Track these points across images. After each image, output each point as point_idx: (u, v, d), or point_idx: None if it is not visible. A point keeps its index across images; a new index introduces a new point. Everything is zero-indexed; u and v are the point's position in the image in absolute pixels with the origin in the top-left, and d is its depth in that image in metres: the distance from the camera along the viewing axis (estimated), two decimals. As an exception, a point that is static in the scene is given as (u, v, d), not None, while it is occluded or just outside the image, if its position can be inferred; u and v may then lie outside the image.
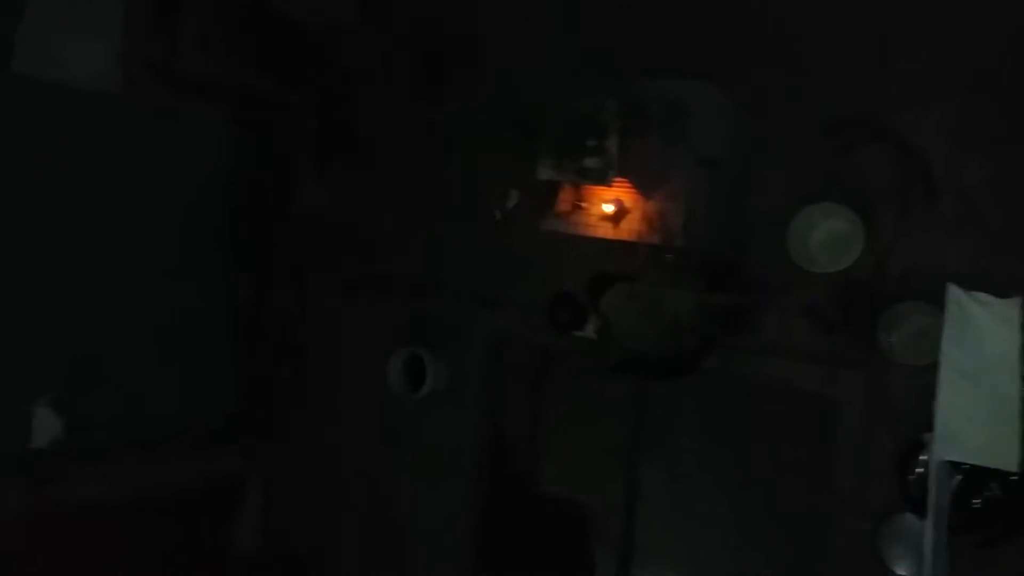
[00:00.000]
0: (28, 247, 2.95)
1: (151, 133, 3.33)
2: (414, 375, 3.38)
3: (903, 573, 2.66)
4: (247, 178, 3.69)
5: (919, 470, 2.54)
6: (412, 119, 3.60)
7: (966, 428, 2.08)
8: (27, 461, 2.92)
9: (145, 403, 3.31)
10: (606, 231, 3.06)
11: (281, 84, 3.65)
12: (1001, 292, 2.25)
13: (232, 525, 3.68)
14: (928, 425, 2.24)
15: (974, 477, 2.30)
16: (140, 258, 3.30)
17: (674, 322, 2.46)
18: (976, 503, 2.37)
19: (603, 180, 3.01)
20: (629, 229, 3.02)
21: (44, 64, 2.94)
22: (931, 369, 2.25)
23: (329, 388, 3.72)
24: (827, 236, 2.76)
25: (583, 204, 3.10)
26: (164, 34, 3.30)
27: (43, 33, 2.94)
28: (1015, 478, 2.22)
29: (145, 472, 3.26)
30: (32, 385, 2.95)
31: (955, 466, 2.21)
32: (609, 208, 3.04)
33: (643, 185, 2.99)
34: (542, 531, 3.44)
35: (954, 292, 2.15)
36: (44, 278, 2.99)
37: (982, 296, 2.13)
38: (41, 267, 2.99)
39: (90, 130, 3.12)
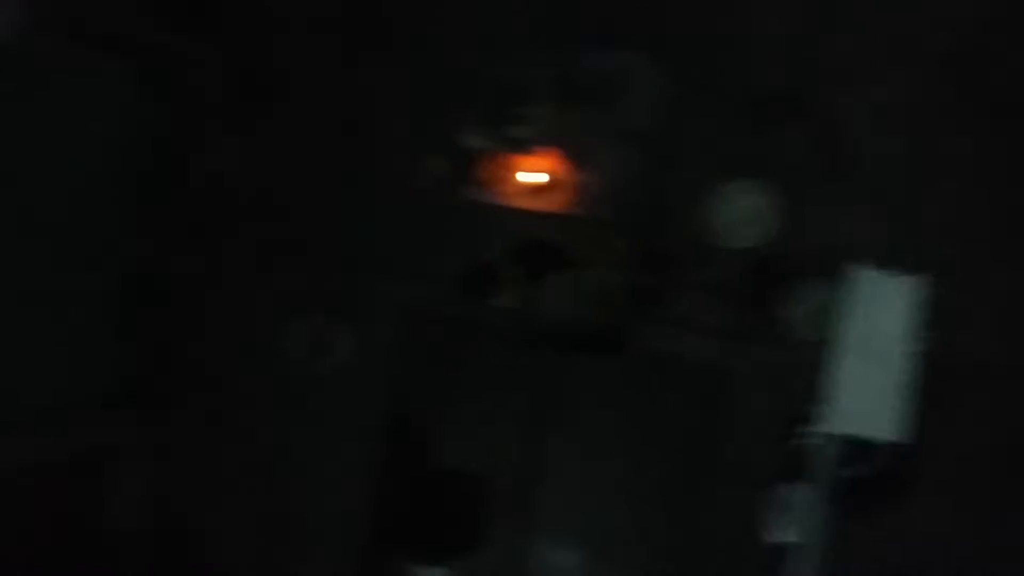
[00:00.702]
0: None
1: (50, 86, 3.07)
2: (318, 344, 3.28)
3: (783, 540, 2.79)
4: (153, 137, 3.46)
5: (805, 440, 2.67)
6: (334, 82, 3.47)
7: (854, 401, 2.20)
8: None
9: (32, 370, 3.07)
10: (530, 202, 3.08)
11: (194, 40, 3.45)
12: (904, 266, 2.38)
13: (117, 496, 3.46)
14: (817, 398, 2.36)
15: (856, 447, 2.44)
16: (30, 218, 3.04)
17: (601, 296, 2.50)
18: (860, 472, 2.52)
19: (531, 150, 3.03)
20: (553, 200, 3.06)
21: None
22: (829, 343, 2.37)
23: (230, 357, 3.52)
24: (744, 212, 2.86)
25: (509, 174, 3.11)
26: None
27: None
28: (894, 448, 2.37)
29: (25, 444, 3.03)
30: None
31: (839, 438, 2.33)
32: (534, 178, 3.06)
33: (571, 156, 3.03)
34: (442, 506, 3.41)
35: (856, 268, 2.28)
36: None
37: (879, 273, 2.27)
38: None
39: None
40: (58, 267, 3.17)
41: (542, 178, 3.04)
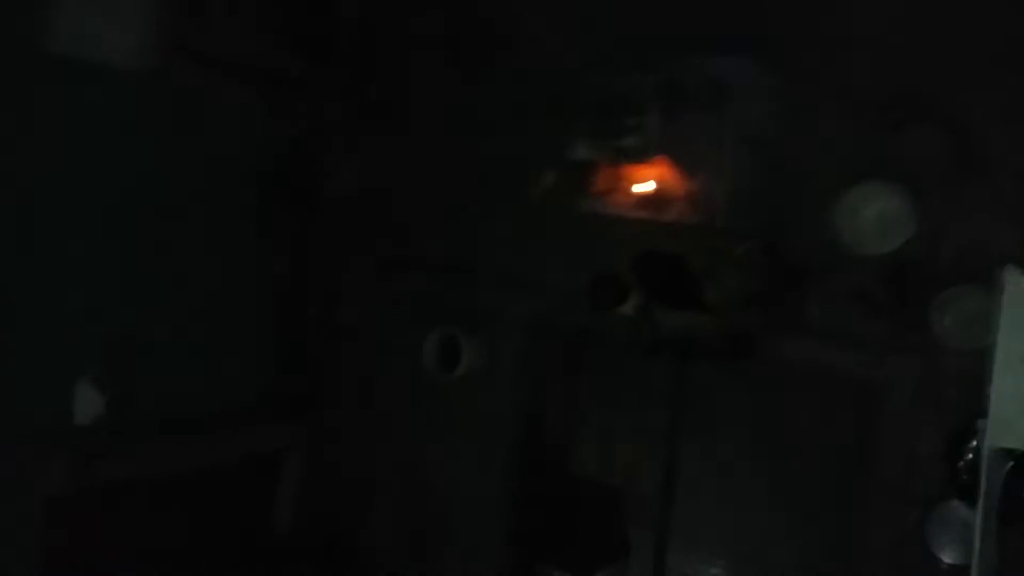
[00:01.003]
0: (65, 228, 2.97)
1: (183, 114, 3.31)
2: (449, 356, 3.37)
3: (950, 561, 2.61)
4: (279, 159, 3.67)
5: (969, 456, 2.48)
6: (446, 99, 3.54)
7: (1021, 413, 2.02)
8: (70, 439, 2.95)
9: (183, 380, 3.34)
10: (645, 212, 3.01)
11: (313, 63, 3.61)
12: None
13: (270, 503, 3.71)
14: (980, 411, 2.18)
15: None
16: (174, 240, 3.30)
17: (724, 304, 2.43)
18: (1027, 490, 2.31)
19: (642, 160, 2.96)
20: (668, 209, 2.98)
21: (78, 45, 2.93)
22: (984, 353, 2.19)
23: (365, 368, 3.72)
24: (877, 216, 2.68)
25: (622, 184, 3.05)
26: (197, 14, 3.28)
27: (77, 14, 2.92)
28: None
29: (185, 449, 3.29)
30: (73, 364, 2.98)
31: (1007, 453, 2.14)
32: (648, 188, 2.99)
33: (683, 165, 2.94)
34: (578, 515, 3.42)
35: (1012, 273, 2.07)
36: (81, 258, 3.01)
37: (1037, 278, 2.05)
38: (79, 247, 3.01)
39: (123, 111, 3.12)
40: (208, 283, 3.44)
41: (651, 187, 2.96)
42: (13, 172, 2.79)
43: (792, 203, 2.89)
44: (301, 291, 3.76)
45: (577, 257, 3.21)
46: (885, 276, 2.70)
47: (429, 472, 3.57)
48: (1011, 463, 2.24)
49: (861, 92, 2.82)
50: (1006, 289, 2.05)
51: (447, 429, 3.53)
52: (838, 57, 2.86)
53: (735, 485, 3.15)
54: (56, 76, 2.88)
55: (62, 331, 2.93)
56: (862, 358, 2.73)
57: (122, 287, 3.11)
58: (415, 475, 3.60)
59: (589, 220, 3.11)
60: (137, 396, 3.08)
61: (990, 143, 2.66)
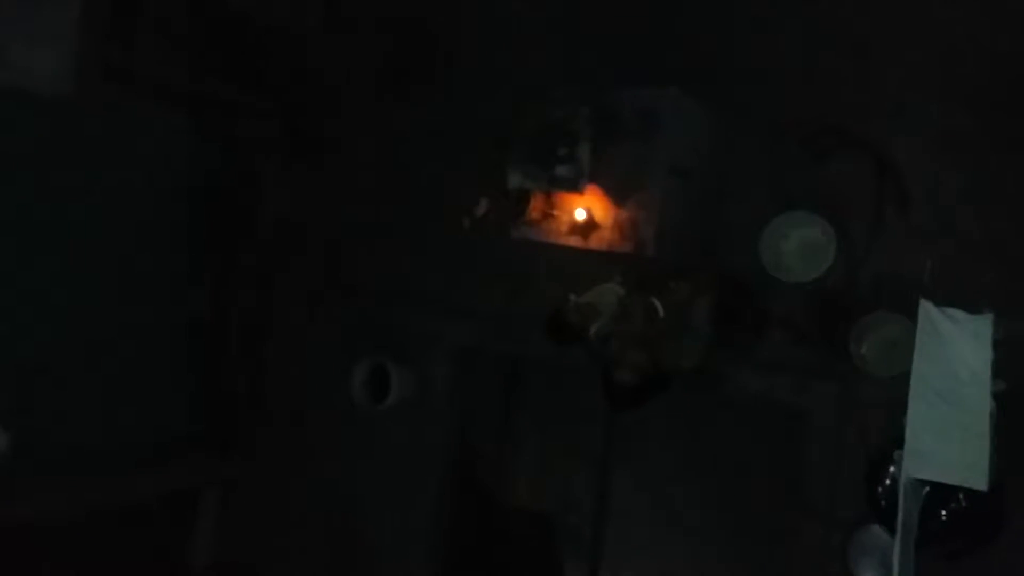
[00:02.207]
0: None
1: (106, 138, 3.21)
2: (379, 386, 3.31)
3: (869, 584, 2.66)
4: (208, 184, 3.58)
5: (888, 482, 2.54)
6: (380, 125, 3.52)
7: (936, 445, 2.07)
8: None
9: (98, 417, 3.21)
10: (577, 240, 3.02)
11: (245, 88, 3.54)
12: (974, 304, 2.26)
13: (188, 541, 3.58)
14: (899, 437, 2.23)
15: (942, 489, 2.29)
16: (93, 267, 3.18)
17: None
18: (944, 515, 2.38)
19: (574, 188, 2.97)
20: (601, 238, 2.99)
21: (-2, 71, 2.82)
22: (902, 379, 2.25)
23: (291, 399, 3.63)
24: (799, 245, 2.75)
25: (554, 212, 3.05)
26: (122, 36, 3.18)
27: (-4, 40, 2.82)
28: (977, 493, 2.22)
29: (98, 487, 3.16)
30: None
31: (923, 483, 2.20)
32: (580, 217, 3.00)
33: (615, 193, 2.96)
34: (511, 544, 3.39)
35: (926, 307, 2.14)
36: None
37: (954, 312, 2.12)
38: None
39: (43, 135, 3.01)
40: (124, 314, 3.31)
41: (583, 215, 2.98)
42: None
43: (720, 232, 2.94)
44: (225, 321, 3.65)
45: (512, 283, 3.21)
46: (808, 304, 2.76)
47: (356, 506, 3.49)
48: (927, 489, 2.31)
49: (787, 124, 2.89)
50: (920, 324, 2.12)
51: (376, 461, 3.46)
52: (765, 89, 2.94)
53: (667, 511, 3.17)
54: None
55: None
56: (787, 384, 2.78)
57: (32, 318, 2.97)
58: (342, 511, 3.52)
59: (522, 248, 3.11)
60: (45, 433, 2.94)
61: (911, 175, 2.74)
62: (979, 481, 2.06)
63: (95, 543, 3.14)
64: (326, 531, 3.57)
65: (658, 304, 2.56)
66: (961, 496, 2.35)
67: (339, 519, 3.55)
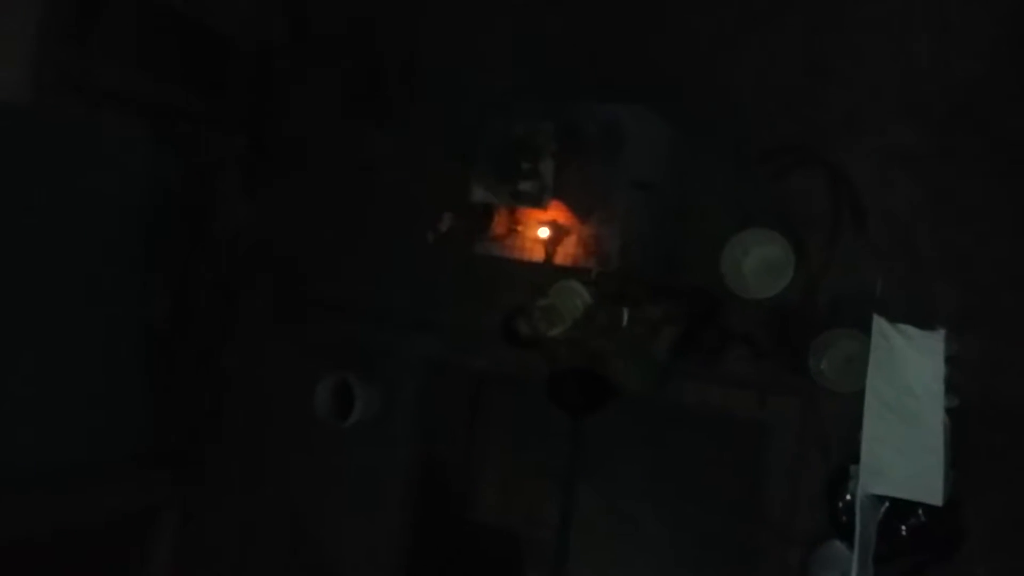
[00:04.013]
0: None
1: (63, 147, 3.16)
2: (343, 402, 3.27)
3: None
4: (167, 196, 3.54)
5: (848, 497, 2.55)
6: (345, 139, 3.50)
7: (891, 460, 2.09)
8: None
9: (49, 433, 3.12)
10: (541, 254, 3.02)
11: (207, 99, 3.51)
12: (928, 318, 2.29)
13: (144, 563, 3.49)
14: (858, 452, 2.24)
15: (902, 505, 2.31)
16: (46, 279, 3.11)
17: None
18: (903, 530, 2.39)
19: (538, 203, 2.96)
20: (565, 253, 2.99)
21: (-52, 74, 2.77)
22: (861, 395, 2.26)
23: (252, 416, 3.57)
24: (759, 262, 2.77)
25: (518, 227, 3.05)
26: (81, 43, 3.14)
27: (-55, 39, 2.77)
28: (934, 509, 2.24)
29: (49, 506, 3.07)
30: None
31: (880, 499, 2.21)
32: (544, 232, 3.00)
33: (578, 208, 2.96)
34: (476, 559, 3.36)
35: (879, 323, 2.16)
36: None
37: (907, 328, 2.14)
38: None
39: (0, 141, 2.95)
40: (78, 326, 3.23)
41: (553, 231, 2.98)
42: None
43: (682, 248, 2.95)
44: (184, 335, 3.59)
45: (476, 298, 3.19)
46: (767, 320, 2.78)
47: (318, 524, 3.44)
48: (886, 505, 2.32)
49: (747, 141, 2.93)
50: (873, 339, 2.14)
51: (339, 478, 3.41)
52: (727, 107, 2.97)
53: (632, 526, 3.15)
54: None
55: None
56: (747, 399, 2.79)
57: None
58: (303, 529, 3.46)
59: (487, 262, 3.10)
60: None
61: (867, 193, 2.78)
62: (934, 496, 2.08)
63: (46, 565, 3.05)
64: (287, 550, 3.51)
65: (625, 315, 2.57)
66: (920, 511, 2.37)
67: (301, 537, 3.49)
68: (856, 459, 2.23)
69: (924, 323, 2.23)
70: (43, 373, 3.12)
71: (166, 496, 3.54)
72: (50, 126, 3.09)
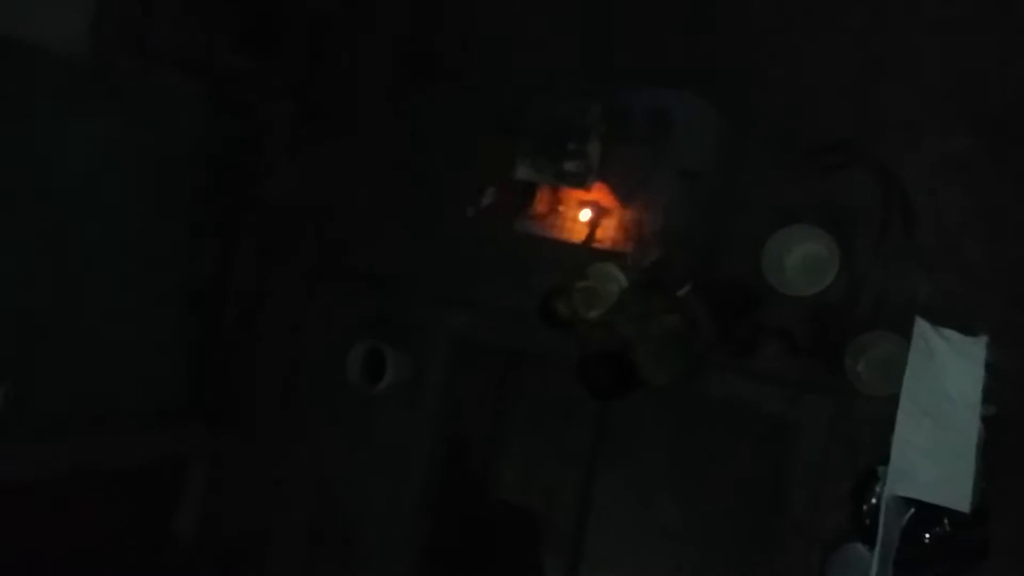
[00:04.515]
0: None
1: (120, 103, 3.23)
2: (374, 369, 3.31)
3: (848, 602, 2.64)
4: (218, 157, 3.60)
5: (873, 500, 2.52)
6: (394, 110, 3.52)
7: (921, 464, 2.06)
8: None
9: (92, 378, 3.22)
10: (581, 236, 3.01)
11: (260, 62, 3.56)
12: (970, 328, 2.24)
13: (174, 512, 3.59)
14: (887, 456, 2.22)
15: (927, 512, 2.28)
16: (97, 229, 3.20)
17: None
18: (926, 539, 2.36)
19: (582, 184, 2.96)
20: (604, 236, 2.98)
21: (14, 25, 2.84)
22: (896, 399, 2.23)
23: (285, 376, 3.63)
24: (802, 259, 2.73)
25: (560, 207, 3.05)
26: (141, 3, 3.21)
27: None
28: (966, 516, 2.20)
29: (88, 448, 3.17)
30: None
31: (908, 500, 2.19)
32: (586, 214, 3.00)
33: (622, 192, 2.95)
34: (494, 536, 3.40)
35: (921, 326, 2.13)
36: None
37: (948, 332, 2.11)
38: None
39: (58, 94, 3.03)
40: (126, 279, 3.32)
41: (595, 213, 2.97)
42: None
43: (723, 239, 2.93)
44: (224, 294, 3.66)
45: (512, 276, 3.20)
46: (806, 318, 2.75)
47: (343, 487, 3.49)
48: (912, 511, 2.29)
49: (798, 136, 2.88)
50: (913, 342, 2.10)
51: (365, 444, 3.46)
52: (780, 100, 2.93)
53: (651, 514, 3.16)
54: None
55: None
56: (780, 396, 2.76)
57: (31, 274, 2.98)
58: (328, 491, 3.52)
59: (526, 241, 3.11)
60: (39, 389, 2.95)
61: (917, 196, 2.73)
62: (962, 503, 2.04)
63: (81, 504, 3.16)
64: (311, 511, 3.58)
65: (655, 306, 2.56)
66: (946, 521, 2.33)
67: (325, 499, 3.55)
68: (885, 462, 2.20)
69: (967, 329, 2.19)
70: (90, 324, 3.21)
71: (199, 447, 3.63)
72: (107, 82, 3.15)
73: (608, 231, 2.96)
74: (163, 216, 3.45)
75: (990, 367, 2.07)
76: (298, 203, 3.67)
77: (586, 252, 2.99)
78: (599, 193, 2.96)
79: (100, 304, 3.23)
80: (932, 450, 2.05)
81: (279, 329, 3.66)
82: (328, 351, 3.46)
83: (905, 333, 2.33)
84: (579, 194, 2.99)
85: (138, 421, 3.41)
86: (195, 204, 3.54)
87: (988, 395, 2.07)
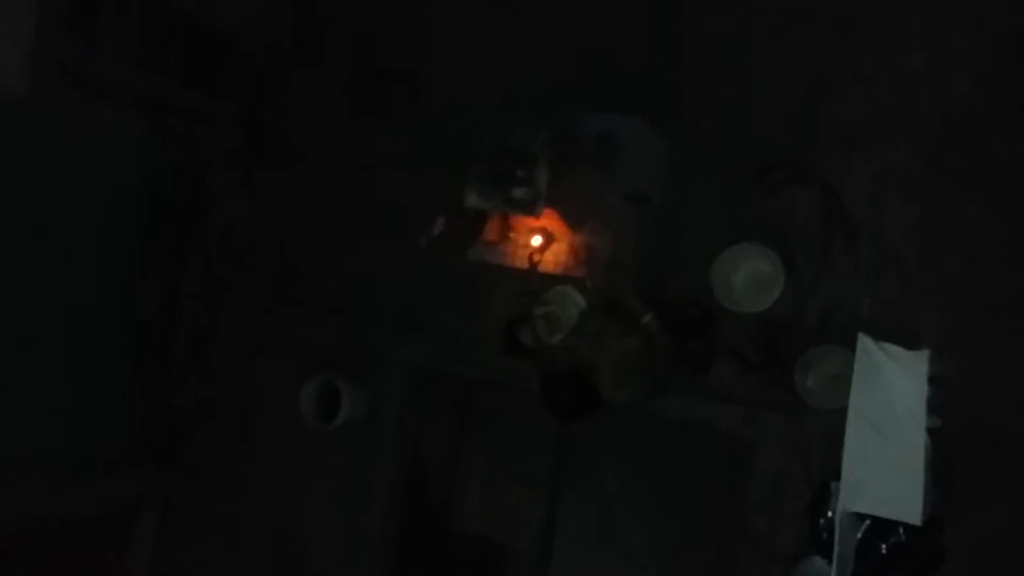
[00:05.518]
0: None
1: (59, 138, 3.15)
2: (329, 403, 3.26)
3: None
4: (163, 189, 3.53)
5: (829, 513, 2.55)
6: (341, 137, 3.50)
7: (872, 478, 2.09)
8: None
9: (36, 423, 3.11)
10: (533, 262, 3.01)
11: (205, 95, 3.51)
12: (914, 338, 2.29)
13: (125, 556, 3.47)
14: (839, 470, 2.25)
15: (882, 523, 2.31)
16: (39, 267, 3.10)
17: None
18: (883, 549, 2.39)
19: (531, 211, 2.96)
20: (556, 261, 2.99)
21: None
22: (846, 411, 2.27)
23: (238, 414, 3.56)
24: (748, 276, 2.78)
25: (511, 234, 3.05)
26: (80, 36, 3.14)
27: (-56, 29, 2.77)
28: (915, 528, 2.24)
29: (34, 496, 3.05)
30: None
31: (860, 516, 2.21)
32: (537, 239, 3.00)
33: (572, 218, 2.96)
34: (457, 565, 3.35)
35: (864, 341, 2.17)
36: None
37: (891, 347, 2.15)
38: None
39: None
40: (68, 315, 3.22)
41: (545, 239, 2.98)
42: None
43: (674, 260, 2.96)
44: (172, 329, 3.58)
45: (468, 304, 3.19)
46: (756, 335, 2.79)
47: (301, 526, 3.42)
48: (867, 522, 2.32)
49: (744, 155, 2.93)
50: (857, 358, 2.14)
51: (323, 481, 3.39)
52: (724, 121, 2.98)
53: (614, 536, 3.15)
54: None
55: None
56: (734, 414, 2.79)
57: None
58: (286, 530, 3.44)
59: (479, 268, 3.10)
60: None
61: (859, 211, 2.79)
62: (913, 515, 2.07)
63: (29, 555, 3.04)
64: (269, 551, 3.49)
65: (613, 328, 2.57)
66: (901, 530, 2.36)
67: (283, 539, 3.47)
68: (838, 476, 2.23)
69: (910, 342, 2.23)
70: (29, 366, 3.10)
71: (149, 492, 3.52)
72: (46, 118, 3.08)
73: (559, 256, 2.97)
74: (107, 253, 3.37)
75: (933, 379, 2.11)
76: (248, 234, 3.62)
77: (538, 277, 3.00)
78: (549, 219, 2.97)
79: (38, 346, 3.12)
80: (882, 465, 2.08)
81: (231, 364, 3.58)
82: (283, 383, 3.39)
83: (851, 346, 2.38)
84: (529, 221, 2.99)
85: (82, 468, 3.30)
86: (141, 238, 3.46)
87: (933, 407, 2.11)
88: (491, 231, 3.06)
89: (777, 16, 2.96)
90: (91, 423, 3.38)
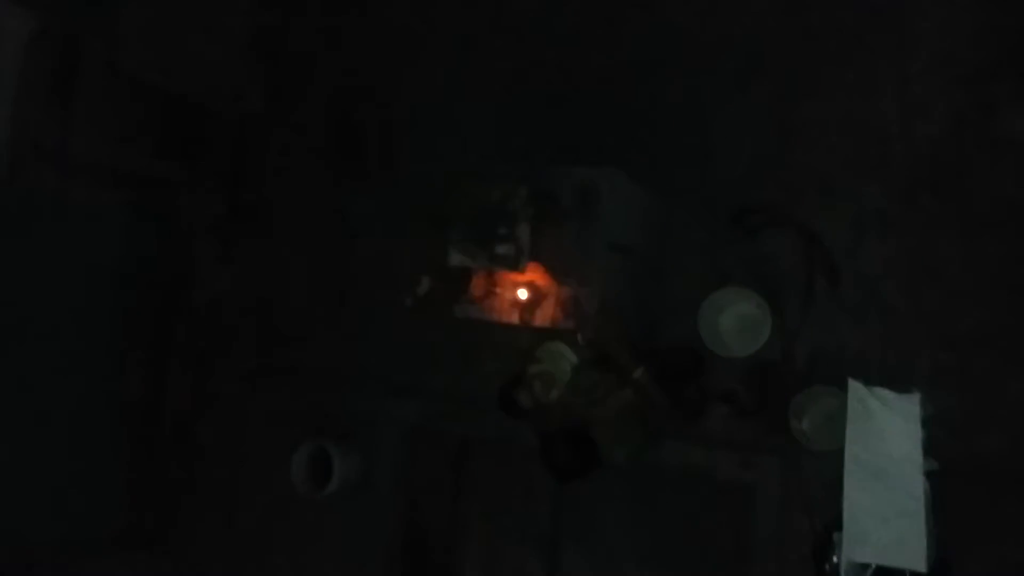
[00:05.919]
0: None
1: (38, 219, 3.14)
2: (321, 470, 3.21)
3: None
4: (142, 264, 3.51)
5: (835, 559, 2.52)
6: (321, 204, 3.52)
7: (873, 527, 2.07)
8: None
9: (17, 512, 3.04)
10: (520, 317, 3.01)
11: (183, 167, 3.53)
12: (904, 376, 2.29)
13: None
14: (840, 517, 2.23)
15: (887, 569, 2.29)
16: (17, 352, 3.06)
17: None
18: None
19: (515, 266, 2.97)
20: (544, 315, 2.99)
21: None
22: (843, 452, 2.25)
23: (229, 488, 3.50)
24: (735, 320, 2.78)
25: (497, 290, 3.05)
26: (56, 116, 3.15)
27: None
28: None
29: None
30: None
31: (864, 566, 2.19)
32: (523, 294, 3.01)
33: (556, 271, 2.97)
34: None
35: (854, 388, 2.17)
36: None
37: (882, 392, 2.15)
38: None
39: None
40: (48, 397, 3.16)
41: (531, 293, 2.98)
42: None
43: (661, 307, 2.97)
44: (158, 405, 3.53)
45: (457, 362, 3.18)
46: (748, 378, 2.78)
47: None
48: (872, 568, 2.30)
49: (720, 202, 2.96)
50: (849, 405, 2.14)
51: (318, 549, 3.34)
52: (699, 168, 3.02)
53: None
54: None
55: None
56: (731, 460, 2.77)
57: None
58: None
59: (466, 326, 3.09)
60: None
61: (839, 251, 2.81)
62: (918, 563, 2.06)
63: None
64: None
65: (607, 382, 2.57)
66: (908, 573, 2.35)
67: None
68: (839, 524, 2.21)
69: (900, 380, 2.24)
70: (6, 451, 3.04)
71: (140, 574, 3.43)
72: (22, 197, 3.07)
73: (547, 310, 2.97)
74: (86, 331, 3.33)
75: (927, 421, 2.11)
76: (232, 304, 3.60)
77: (527, 332, 2.99)
78: (534, 273, 2.97)
79: (15, 430, 3.06)
80: (882, 512, 2.07)
81: (220, 438, 3.53)
82: (273, 455, 3.35)
83: (842, 386, 2.38)
84: (514, 276, 3.00)
85: (69, 552, 3.21)
86: (121, 315, 3.43)
87: (929, 449, 2.11)
88: (477, 287, 3.06)
89: (745, 70, 3.02)
90: (73, 510, 3.30)
